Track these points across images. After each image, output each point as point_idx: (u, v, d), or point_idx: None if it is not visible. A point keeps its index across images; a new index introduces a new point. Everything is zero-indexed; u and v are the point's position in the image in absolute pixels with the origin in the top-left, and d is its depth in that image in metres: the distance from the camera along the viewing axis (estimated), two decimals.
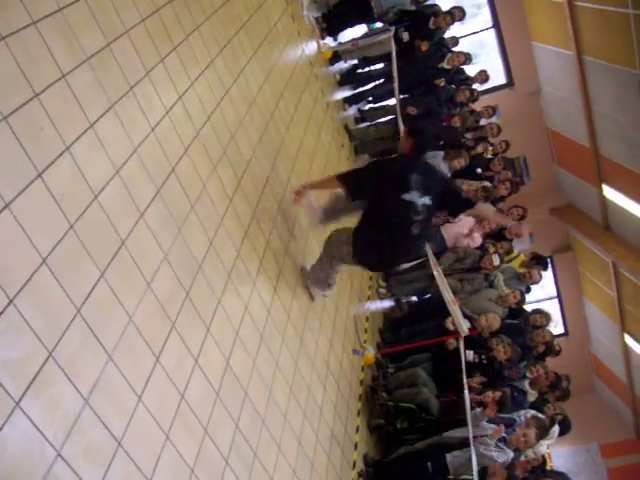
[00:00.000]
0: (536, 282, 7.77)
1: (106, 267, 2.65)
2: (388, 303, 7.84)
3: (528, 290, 8.10)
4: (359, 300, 6.78)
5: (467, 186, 7.80)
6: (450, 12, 8.86)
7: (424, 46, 8.51)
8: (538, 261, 8.06)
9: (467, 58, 9.02)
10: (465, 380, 5.81)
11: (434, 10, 8.85)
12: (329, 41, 8.64)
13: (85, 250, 2.55)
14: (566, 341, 14.19)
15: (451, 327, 6.55)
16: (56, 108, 2.60)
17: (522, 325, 7.00)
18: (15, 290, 2.15)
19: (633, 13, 10.51)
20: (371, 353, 6.33)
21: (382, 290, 7.76)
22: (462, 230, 7.68)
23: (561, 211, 15.28)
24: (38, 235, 2.32)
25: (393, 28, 8.49)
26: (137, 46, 3.34)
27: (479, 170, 8.43)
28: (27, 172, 2.36)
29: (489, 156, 8.87)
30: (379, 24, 9.38)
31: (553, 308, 13.65)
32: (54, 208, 2.45)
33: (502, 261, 7.44)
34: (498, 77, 14.32)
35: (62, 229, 2.46)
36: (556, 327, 13.79)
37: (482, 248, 7.62)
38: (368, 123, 9.17)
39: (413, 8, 8.66)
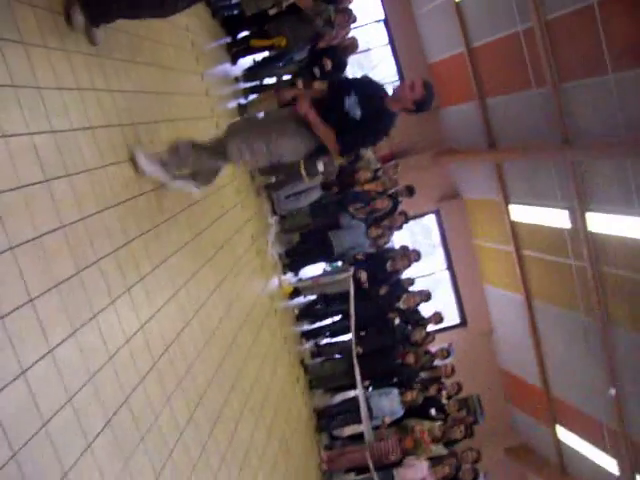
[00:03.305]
0: None
1: None
2: None
3: None
4: None
5: (420, 426, 7.77)
6: (406, 254, 9.40)
7: (382, 290, 8.93)
8: None
9: (423, 297, 9.41)
10: None
11: (392, 254, 9.39)
12: (290, 277, 8.98)
13: None
14: None
15: None
16: (18, 331, 2.63)
17: None
18: None
19: (574, 264, 11.28)
20: None
21: None
22: (416, 476, 7.53)
23: (516, 451, 15.11)
24: None
25: (352, 268, 8.94)
26: (105, 275, 3.46)
27: (433, 411, 8.44)
28: None
29: (444, 400, 8.91)
30: (339, 263, 9.86)
31: None
32: None
33: None
34: (452, 315, 14.84)
35: (5, 456, 2.39)
36: None
37: None
38: (324, 358, 9.29)
39: (372, 251, 9.17)
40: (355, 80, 4.94)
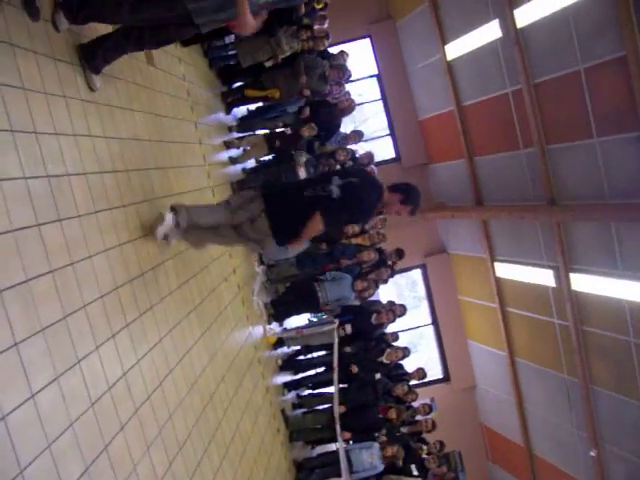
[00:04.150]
0: None
1: None
2: None
3: None
4: None
5: None
6: (392, 309, 9.42)
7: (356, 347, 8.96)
8: None
9: (405, 353, 9.42)
10: None
11: (377, 308, 9.41)
12: (275, 327, 8.96)
13: None
14: None
15: None
16: (1, 375, 2.62)
17: None
18: None
19: (558, 323, 11.32)
20: None
21: None
22: None
23: None
24: None
25: (337, 320, 8.94)
26: (92, 321, 3.46)
27: (413, 467, 8.37)
28: None
29: (424, 456, 8.83)
30: (324, 315, 9.86)
31: None
32: None
33: None
34: (435, 369, 14.77)
35: None
36: None
37: None
38: (305, 410, 9.21)
39: (357, 303, 9.19)
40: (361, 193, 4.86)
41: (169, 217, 4.53)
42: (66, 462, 2.96)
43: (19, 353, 2.78)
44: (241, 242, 5.01)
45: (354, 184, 4.60)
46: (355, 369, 8.86)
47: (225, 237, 4.96)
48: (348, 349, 9.05)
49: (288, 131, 9.00)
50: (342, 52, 9.72)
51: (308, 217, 4.57)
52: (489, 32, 11.16)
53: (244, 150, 8.99)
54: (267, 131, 9.66)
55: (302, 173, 8.40)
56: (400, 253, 9.93)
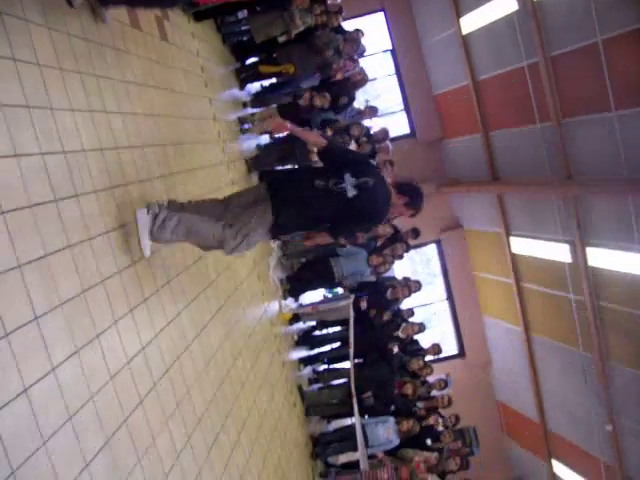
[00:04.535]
0: None
1: None
2: None
3: None
4: None
5: (418, 456, 7.74)
6: (407, 284, 9.44)
7: (386, 316, 8.98)
8: None
9: (420, 328, 9.45)
10: None
11: (392, 283, 9.42)
12: (290, 302, 8.99)
13: None
14: None
15: None
16: (22, 349, 2.65)
17: None
18: None
19: (574, 298, 11.28)
20: None
21: None
22: None
23: None
24: None
25: (353, 295, 8.96)
26: (110, 296, 3.49)
27: (429, 441, 8.41)
28: None
29: (440, 428, 8.88)
30: (340, 290, 9.88)
31: None
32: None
33: None
34: (450, 346, 14.80)
35: (4, 473, 2.40)
36: None
37: None
38: (321, 385, 9.27)
39: (373, 279, 9.19)
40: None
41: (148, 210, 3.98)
42: (87, 434, 3.00)
43: (39, 327, 2.81)
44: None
45: (369, 188, 4.24)
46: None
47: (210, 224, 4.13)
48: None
49: (302, 102, 8.95)
50: (357, 30, 9.63)
51: (317, 211, 4.28)
52: (505, 4, 11.02)
53: (253, 124, 8.95)
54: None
55: (315, 157, 8.35)
56: (416, 232, 9.90)
